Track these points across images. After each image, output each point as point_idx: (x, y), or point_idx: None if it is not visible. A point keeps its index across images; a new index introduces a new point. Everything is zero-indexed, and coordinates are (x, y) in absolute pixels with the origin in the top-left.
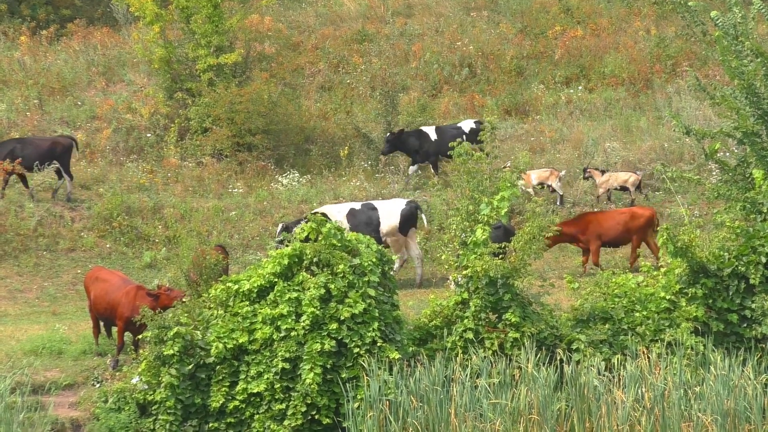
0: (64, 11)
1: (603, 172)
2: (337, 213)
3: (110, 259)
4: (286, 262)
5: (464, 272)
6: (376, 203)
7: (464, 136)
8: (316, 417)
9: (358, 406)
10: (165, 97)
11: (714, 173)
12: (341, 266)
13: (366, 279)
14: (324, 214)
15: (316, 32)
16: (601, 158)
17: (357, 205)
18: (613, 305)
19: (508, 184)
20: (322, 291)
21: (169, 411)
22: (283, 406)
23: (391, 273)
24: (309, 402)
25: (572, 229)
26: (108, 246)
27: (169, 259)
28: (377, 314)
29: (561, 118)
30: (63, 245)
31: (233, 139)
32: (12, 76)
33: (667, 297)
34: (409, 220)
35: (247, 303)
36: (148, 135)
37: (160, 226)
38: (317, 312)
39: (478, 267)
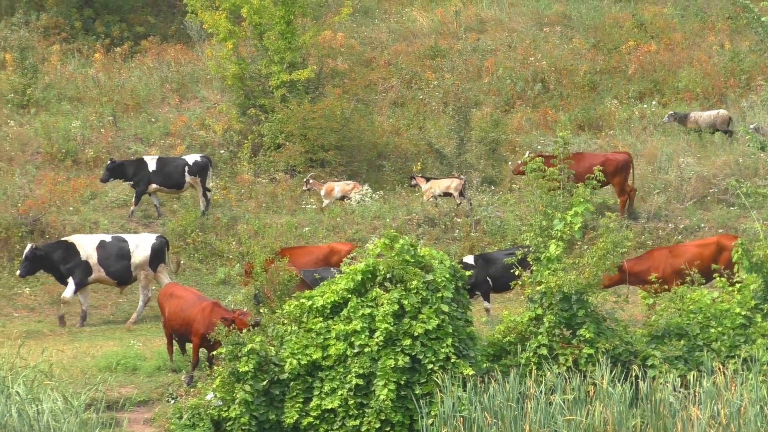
0: (138, 28)
1: (428, 179)
2: (87, 244)
3: (184, 275)
4: (359, 278)
5: (538, 288)
6: (126, 236)
7: (187, 168)
8: None
9: (432, 423)
10: (238, 113)
11: None
12: (414, 282)
13: (439, 295)
14: (72, 243)
15: (388, 48)
16: (675, 173)
17: (107, 237)
18: (688, 321)
19: (582, 200)
20: (396, 307)
21: (243, 427)
22: (357, 422)
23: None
24: (383, 418)
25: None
26: (182, 262)
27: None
28: (451, 330)
29: (635, 133)
30: None
31: (306, 155)
32: (86, 93)
33: (743, 313)
34: (158, 255)
35: (321, 319)
36: (222, 151)
37: (233, 243)
38: (391, 328)
39: (552, 283)
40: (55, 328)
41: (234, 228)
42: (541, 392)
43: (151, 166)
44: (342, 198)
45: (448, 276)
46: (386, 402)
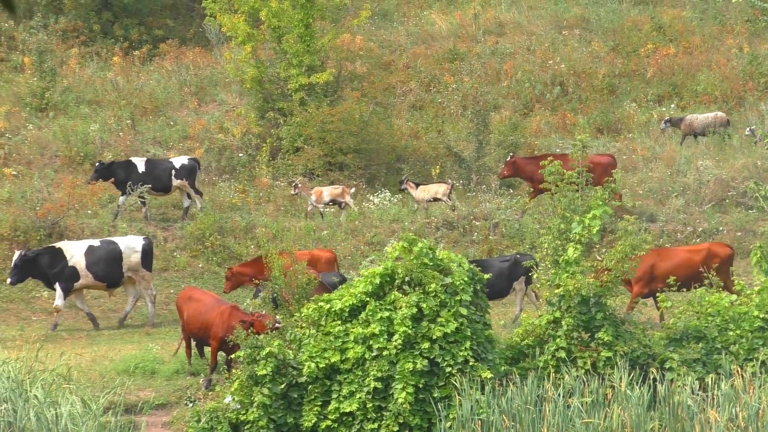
0: (156, 32)
1: (418, 185)
2: (75, 250)
3: (202, 279)
4: (377, 281)
5: (556, 291)
6: (115, 239)
7: (174, 171)
8: None
9: (450, 426)
10: (257, 116)
11: None
12: (433, 285)
13: (458, 298)
14: (60, 249)
15: (407, 51)
16: (694, 176)
17: (95, 242)
18: (706, 324)
19: (600, 203)
20: (414, 310)
21: (261, 430)
22: (376, 425)
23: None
24: (401, 421)
25: (248, 271)
26: (200, 266)
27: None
28: (469, 333)
29: (653, 136)
30: (156, 265)
31: (325, 159)
32: (105, 96)
33: (761, 316)
34: (149, 255)
35: (339, 322)
36: (240, 155)
37: (252, 246)
38: (409, 331)
39: (570, 286)
40: (73, 332)
41: (252, 231)
42: (559, 395)
43: (140, 167)
44: (331, 202)
45: (466, 279)
46: (404, 405)
